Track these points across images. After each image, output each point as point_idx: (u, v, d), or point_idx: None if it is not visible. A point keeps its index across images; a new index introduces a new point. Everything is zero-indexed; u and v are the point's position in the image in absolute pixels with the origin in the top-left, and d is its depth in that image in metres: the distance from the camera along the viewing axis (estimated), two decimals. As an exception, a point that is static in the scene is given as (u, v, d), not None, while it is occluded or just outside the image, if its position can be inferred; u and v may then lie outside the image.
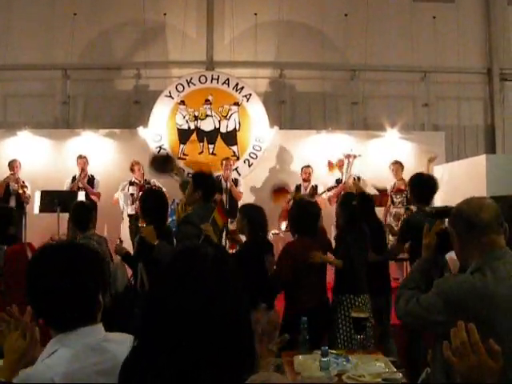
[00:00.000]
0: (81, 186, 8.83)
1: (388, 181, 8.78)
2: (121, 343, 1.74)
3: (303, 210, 4.68)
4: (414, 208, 5.52)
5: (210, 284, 1.23)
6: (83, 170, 8.98)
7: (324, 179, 9.06)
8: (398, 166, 8.71)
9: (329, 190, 8.71)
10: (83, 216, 4.90)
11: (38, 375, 1.58)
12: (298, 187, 8.92)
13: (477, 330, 2.06)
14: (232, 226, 5.45)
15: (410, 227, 4.76)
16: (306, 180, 8.99)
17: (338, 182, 8.94)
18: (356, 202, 4.93)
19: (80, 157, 9.06)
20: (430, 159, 8.80)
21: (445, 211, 2.72)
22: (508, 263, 2.24)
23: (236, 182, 9.02)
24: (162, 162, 6.05)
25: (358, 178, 8.86)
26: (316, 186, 8.93)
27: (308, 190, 8.88)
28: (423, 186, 4.96)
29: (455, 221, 2.39)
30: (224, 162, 9.04)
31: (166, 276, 1.29)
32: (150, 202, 4.64)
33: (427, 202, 4.91)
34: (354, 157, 8.93)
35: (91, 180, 8.99)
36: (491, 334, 2.07)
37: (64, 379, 1.58)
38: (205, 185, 4.68)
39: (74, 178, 8.94)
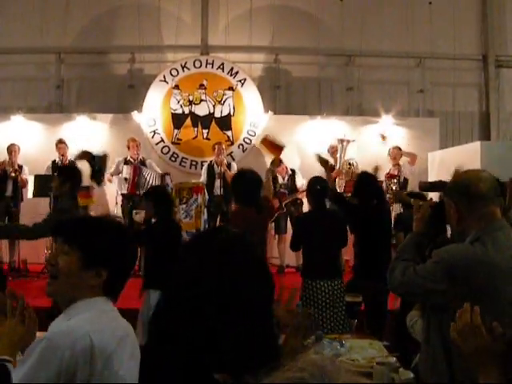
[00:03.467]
0: None
1: (382, 166, 8.79)
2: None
3: (241, 178, 4.66)
4: None
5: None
6: (63, 155, 8.86)
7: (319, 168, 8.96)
8: (396, 151, 8.71)
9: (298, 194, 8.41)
10: None
11: (75, 329, 1.65)
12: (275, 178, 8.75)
13: (478, 298, 2.09)
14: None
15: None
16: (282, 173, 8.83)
17: (332, 168, 8.85)
18: (319, 187, 4.89)
19: (60, 141, 8.94)
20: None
21: (440, 184, 2.73)
22: (506, 234, 2.27)
23: (229, 166, 8.95)
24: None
25: (352, 164, 8.86)
26: (293, 171, 8.85)
27: (286, 180, 8.81)
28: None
29: (454, 191, 2.39)
30: (216, 146, 9.00)
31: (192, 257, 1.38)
32: None
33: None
34: (348, 142, 8.88)
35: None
36: (493, 303, 2.11)
37: (98, 335, 1.65)
38: (72, 177, 5.07)
39: (53, 162, 8.81)
